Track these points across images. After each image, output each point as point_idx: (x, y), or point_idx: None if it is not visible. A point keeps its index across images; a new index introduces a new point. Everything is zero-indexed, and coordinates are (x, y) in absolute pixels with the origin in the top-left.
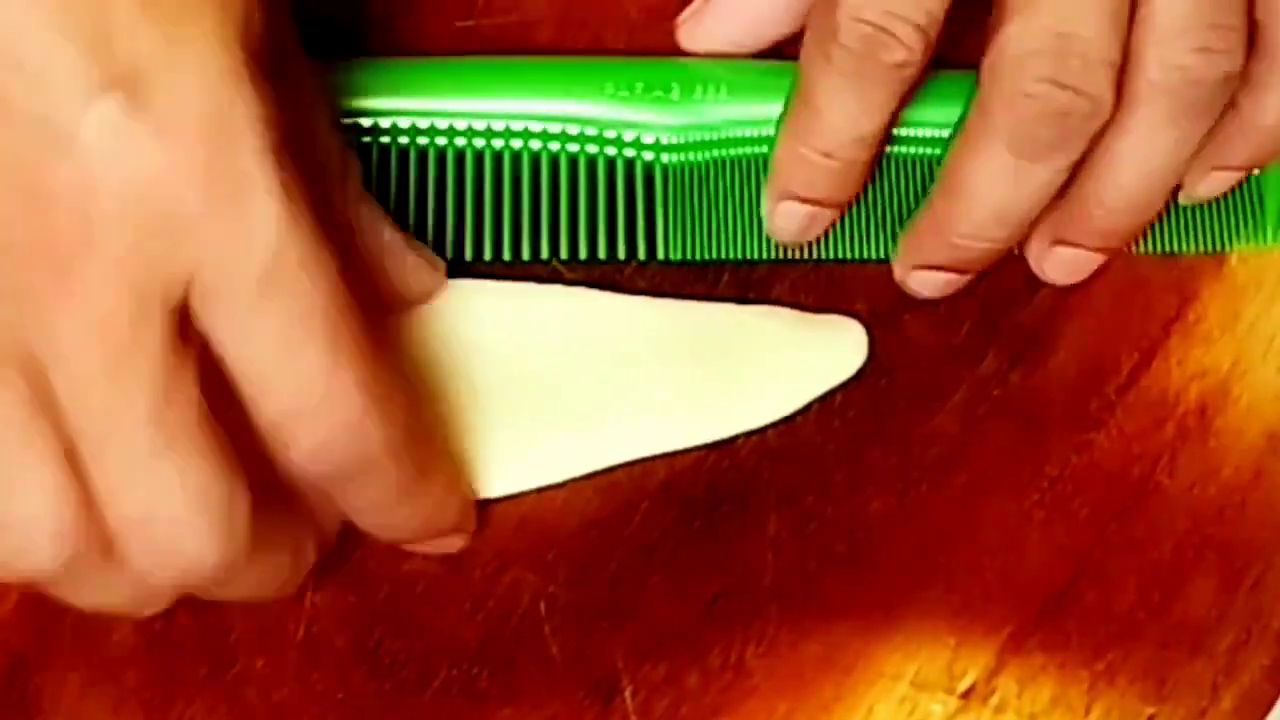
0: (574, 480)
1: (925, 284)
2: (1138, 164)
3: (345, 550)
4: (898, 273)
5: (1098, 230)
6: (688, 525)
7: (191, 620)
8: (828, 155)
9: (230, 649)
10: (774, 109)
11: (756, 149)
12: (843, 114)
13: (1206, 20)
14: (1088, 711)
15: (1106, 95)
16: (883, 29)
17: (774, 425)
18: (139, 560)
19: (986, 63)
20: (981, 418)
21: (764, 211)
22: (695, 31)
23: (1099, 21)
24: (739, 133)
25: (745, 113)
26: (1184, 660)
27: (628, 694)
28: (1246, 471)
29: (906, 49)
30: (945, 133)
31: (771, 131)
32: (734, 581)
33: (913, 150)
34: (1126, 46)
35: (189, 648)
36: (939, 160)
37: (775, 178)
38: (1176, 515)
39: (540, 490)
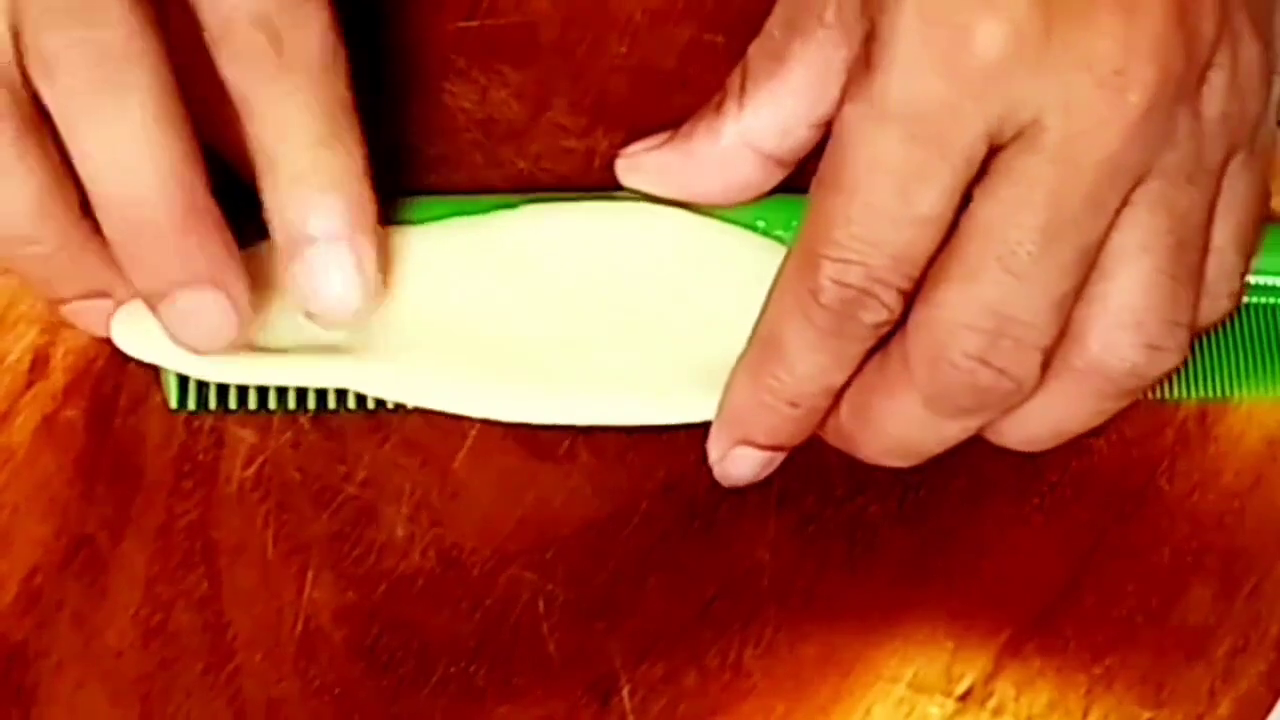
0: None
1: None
2: (1050, 424)
3: (344, 549)
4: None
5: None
6: (687, 525)
7: (190, 615)
8: (794, 405)
9: (228, 644)
10: None
11: None
12: (815, 367)
13: (1163, 315)
14: (1085, 715)
15: (1032, 378)
16: (866, 292)
17: None
18: None
19: (918, 316)
20: None
21: (711, 452)
22: (637, 168)
23: (1041, 306)
24: None
25: None
26: (1182, 665)
27: (625, 693)
28: (1246, 478)
29: (888, 310)
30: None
31: None
32: (732, 582)
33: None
34: (1068, 316)
35: (187, 642)
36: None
37: (732, 422)
38: (1176, 521)
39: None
